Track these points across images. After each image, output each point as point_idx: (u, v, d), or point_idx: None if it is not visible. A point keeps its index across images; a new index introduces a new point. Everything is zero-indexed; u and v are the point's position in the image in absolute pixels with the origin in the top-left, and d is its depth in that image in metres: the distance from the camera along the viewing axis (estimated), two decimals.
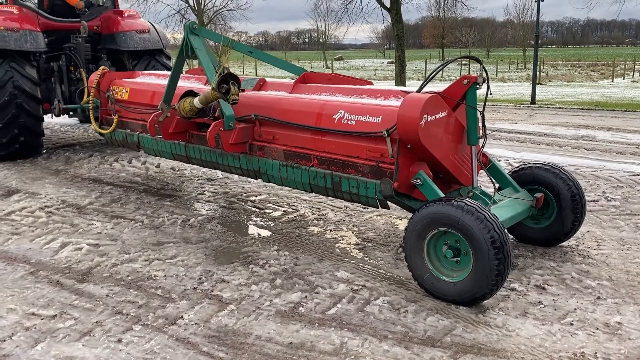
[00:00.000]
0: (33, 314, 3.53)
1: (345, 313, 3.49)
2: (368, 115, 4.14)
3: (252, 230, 5.11)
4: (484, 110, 4.16)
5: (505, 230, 3.49)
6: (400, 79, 19.76)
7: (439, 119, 3.92)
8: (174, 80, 5.23)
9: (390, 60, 61.90)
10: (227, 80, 4.51)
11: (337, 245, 4.70)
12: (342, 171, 4.30)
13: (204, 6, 24.02)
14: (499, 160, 7.85)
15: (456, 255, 3.60)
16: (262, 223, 5.29)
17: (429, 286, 3.72)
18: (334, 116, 4.34)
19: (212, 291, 3.81)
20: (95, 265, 4.29)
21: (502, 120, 11.97)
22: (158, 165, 7.73)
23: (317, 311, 3.52)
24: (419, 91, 4.08)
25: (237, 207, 5.79)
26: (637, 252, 4.47)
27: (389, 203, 4.20)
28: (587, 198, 5.79)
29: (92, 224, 5.28)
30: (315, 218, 5.42)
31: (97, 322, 3.41)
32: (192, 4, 23.79)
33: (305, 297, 3.71)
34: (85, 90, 6.52)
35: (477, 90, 4.13)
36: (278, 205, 5.82)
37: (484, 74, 4.13)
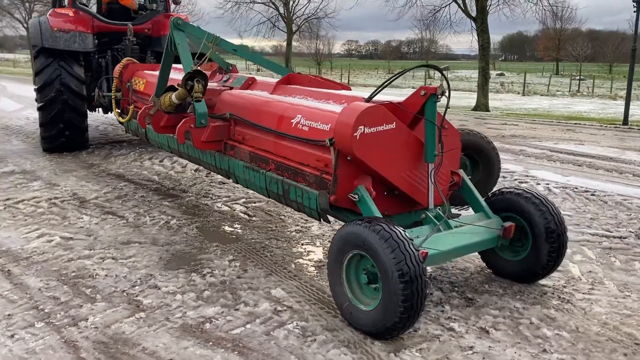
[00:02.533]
0: None
1: (249, 335, 3.27)
2: (319, 122, 3.90)
3: (223, 237, 4.99)
4: (441, 124, 3.75)
5: (418, 258, 3.08)
6: (483, 91, 18.82)
7: (382, 131, 3.56)
8: (164, 74, 5.28)
9: (499, 72, 59.42)
10: (194, 77, 4.47)
11: (296, 261, 4.46)
12: (292, 179, 4.09)
13: (294, 14, 24.46)
14: (538, 184, 7.13)
15: (372, 281, 3.25)
16: (239, 231, 5.17)
17: (348, 316, 3.39)
18: (292, 120, 4.15)
19: (136, 296, 3.75)
20: (53, 258, 4.39)
21: (568, 141, 10.92)
22: (185, 166, 7.87)
23: (222, 329, 3.32)
24: (368, 100, 3.77)
25: (226, 212, 5.71)
26: (632, 303, 3.80)
27: (331, 218, 3.92)
28: (615, 233, 5.11)
29: (82, 218, 5.45)
30: (295, 230, 5.20)
31: (8, 314, 3.46)
32: (283, 12, 24.32)
33: (222, 312, 3.53)
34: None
35: (437, 103, 3.73)
36: (268, 214, 5.67)
37: (444, 84, 3.72)
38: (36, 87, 8.17)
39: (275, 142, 4.35)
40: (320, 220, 3.97)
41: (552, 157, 9.05)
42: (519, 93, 32.49)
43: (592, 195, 6.64)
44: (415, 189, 3.83)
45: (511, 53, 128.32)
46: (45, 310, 3.52)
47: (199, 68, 4.68)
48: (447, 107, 3.77)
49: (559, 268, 4.33)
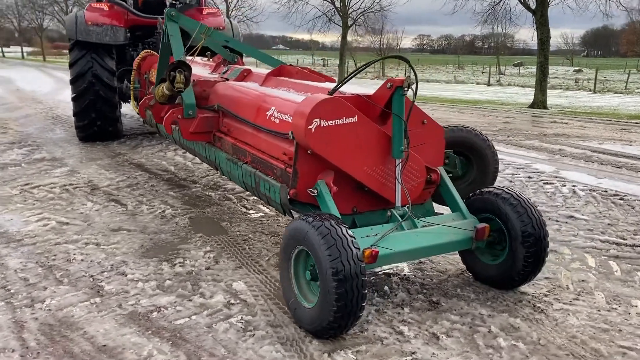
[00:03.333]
0: None
1: (190, 326, 3.25)
2: (288, 114, 3.82)
3: (211, 229, 5.01)
4: (407, 118, 3.57)
5: (356, 256, 2.95)
6: (541, 87, 17.93)
7: (341, 124, 3.43)
8: (162, 66, 5.36)
9: (576, 68, 56.42)
10: (177, 68, 4.51)
11: (272, 255, 4.40)
12: (263, 172, 4.05)
13: (350, 7, 24.29)
14: (563, 186, 6.69)
15: (314, 278, 3.15)
16: (228, 223, 5.17)
17: (292, 312, 3.30)
18: (267, 112, 4.11)
19: (101, 282, 3.83)
20: (41, 242, 4.57)
21: (616, 141, 10.17)
22: None
23: (167, 319, 3.33)
24: (331, 93, 3.64)
25: (225, 205, 5.74)
26: (616, 317, 3.48)
27: (294, 212, 3.83)
28: (630, 241, 4.74)
29: (85, 204, 5.64)
30: (285, 224, 5.15)
31: None
32: (339, 6, 24.21)
33: (175, 302, 3.54)
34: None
35: (403, 96, 3.55)
36: (268, 208, 5.64)
37: (412, 76, 3.55)
38: (70, 78, 8.54)
39: (252, 134, 4.33)
40: (285, 215, 3.90)
41: (592, 158, 8.47)
42: (590, 90, 30.73)
43: (620, 199, 6.15)
44: (383, 185, 3.68)
45: (595, 48, 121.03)
46: (11, 291, 3.66)
47: (185, 59, 4.71)
48: (414, 100, 3.58)
49: (548, 275, 4.07)
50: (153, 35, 8.99)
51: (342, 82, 3.74)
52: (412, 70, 3.68)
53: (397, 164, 3.62)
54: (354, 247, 2.99)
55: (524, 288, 3.84)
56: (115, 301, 3.54)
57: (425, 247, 3.50)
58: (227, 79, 5.31)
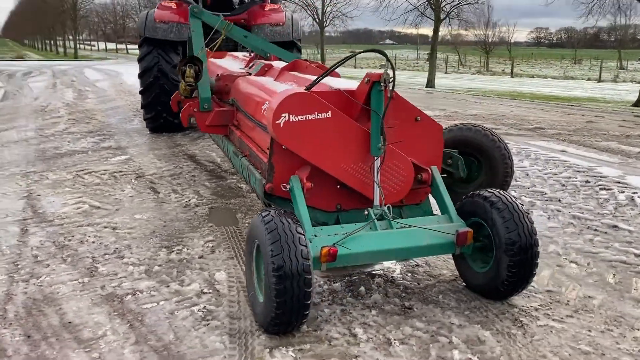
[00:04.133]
0: None
1: (155, 310, 3.37)
2: None
3: (224, 219, 5.13)
4: (383, 115, 3.43)
5: (301, 254, 2.90)
6: None
7: (313, 120, 3.39)
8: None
9: None
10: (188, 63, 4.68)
11: None
12: (254, 165, 4.10)
13: (443, 0, 23.57)
14: (621, 192, 6.07)
15: None
16: (242, 214, 5.27)
17: (250, 305, 3.32)
18: (262, 107, 4.16)
19: (98, 263, 4.08)
20: (68, 223, 4.95)
21: None
22: None
23: (138, 303, 3.48)
24: (308, 88, 3.60)
25: (250, 197, 5.85)
26: (606, 339, 3.12)
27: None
28: None
29: (123, 191, 6.02)
30: None
31: None
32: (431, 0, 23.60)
33: (152, 287, 3.69)
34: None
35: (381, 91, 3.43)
36: None
37: (390, 71, 3.41)
38: (138, 73, 9.11)
39: (251, 128, 4.40)
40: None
41: None
42: None
43: None
44: (364, 183, 3.59)
45: None
46: (18, 266, 4.01)
47: (205, 52, 4.87)
48: (390, 96, 3.43)
49: (550, 288, 3.76)
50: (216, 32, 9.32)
51: (319, 77, 3.68)
52: (389, 65, 3.53)
53: (374, 162, 3.50)
54: (300, 244, 2.94)
55: (515, 300, 3.56)
56: (100, 282, 3.76)
57: (395, 249, 3.37)
58: (250, 74, 5.41)
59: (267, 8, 9.54)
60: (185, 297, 3.56)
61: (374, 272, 3.96)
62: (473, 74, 38.13)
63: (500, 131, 10.29)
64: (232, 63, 6.18)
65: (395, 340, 3.07)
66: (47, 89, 18.07)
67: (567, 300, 3.59)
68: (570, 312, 3.44)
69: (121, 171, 6.87)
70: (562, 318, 3.36)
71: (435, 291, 3.70)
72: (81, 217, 5.12)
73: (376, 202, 3.57)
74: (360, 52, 4.07)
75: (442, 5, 23.44)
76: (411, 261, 4.16)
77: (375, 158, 3.50)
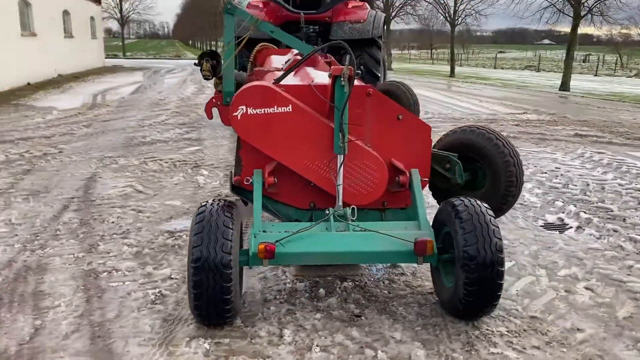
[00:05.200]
0: None
1: (116, 289, 3.55)
2: None
3: (247, 211, 5.22)
4: (342, 112, 3.27)
5: (224, 247, 2.88)
6: None
7: (272, 114, 3.34)
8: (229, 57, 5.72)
9: None
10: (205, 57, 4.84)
11: None
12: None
13: None
14: None
15: None
16: None
17: None
18: None
19: (102, 241, 4.39)
20: (105, 204, 5.38)
21: None
22: None
23: (109, 280, 3.69)
24: (277, 81, 3.54)
25: None
26: None
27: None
28: None
29: (172, 178, 6.39)
30: None
31: (16, 228, 4.51)
32: None
33: (129, 268, 3.88)
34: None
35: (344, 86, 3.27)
36: None
37: (351, 66, 3.25)
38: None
39: None
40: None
41: None
42: None
43: None
44: (330, 182, 3.46)
45: None
46: (37, 237, 4.45)
47: (232, 47, 5.00)
48: (349, 91, 3.25)
49: (537, 314, 3.34)
50: (298, 30, 9.47)
51: (287, 72, 3.60)
52: (350, 59, 3.34)
53: (337, 160, 3.36)
54: (224, 237, 2.93)
55: (484, 321, 3.20)
56: (90, 259, 4.05)
57: (345, 253, 3.19)
58: (282, 69, 5.44)
59: (350, 5, 9.48)
60: (152, 280, 3.70)
61: (347, 276, 3.79)
62: (629, 77, 34.30)
63: (603, 140, 9.22)
64: (276, 58, 6.22)
65: (318, 346, 2.92)
66: (175, 85, 19.71)
67: (547, 330, 3.14)
68: (540, 343, 3.01)
69: (184, 160, 7.29)
70: (524, 349, 2.95)
71: (401, 302, 3.44)
72: (120, 199, 5.54)
73: (339, 202, 3.42)
74: (323, 47, 3.92)
75: (582, 1, 21.44)
76: (396, 269, 3.92)
77: (339, 156, 3.35)
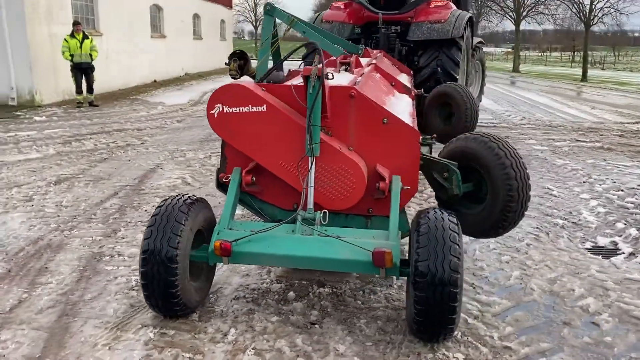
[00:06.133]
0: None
1: (102, 272, 3.79)
2: None
3: None
4: (311, 112, 3.20)
5: (172, 242, 2.95)
6: None
7: (247, 113, 3.35)
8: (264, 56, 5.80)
9: None
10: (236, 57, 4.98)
11: None
12: None
13: None
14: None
15: None
16: None
17: None
18: None
19: (124, 228, 4.69)
20: (150, 192, 5.75)
21: None
22: None
23: (108, 264, 3.95)
24: (260, 80, 3.55)
25: None
26: None
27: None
28: None
29: None
30: None
31: (60, 210, 4.99)
32: None
33: (133, 254, 4.11)
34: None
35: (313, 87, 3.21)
36: None
37: (319, 66, 3.17)
38: None
39: None
40: None
41: None
42: None
43: None
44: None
45: None
46: (74, 219, 4.87)
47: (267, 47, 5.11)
48: (318, 91, 3.16)
49: (510, 344, 2.99)
50: (377, 31, 9.31)
51: (269, 71, 3.58)
52: (319, 58, 3.24)
53: (310, 162, 3.29)
54: (173, 232, 3.00)
55: (450, 345, 2.95)
56: (104, 243, 4.35)
57: (303, 257, 3.11)
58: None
59: (433, 5, 9.12)
60: (133, 259, 3.90)
61: (328, 281, 3.69)
62: None
63: None
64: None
65: (254, 349, 2.88)
66: None
67: None
68: None
69: None
70: None
71: (368, 315, 3.28)
72: (165, 190, 5.88)
73: (309, 205, 3.34)
74: (296, 49, 3.80)
75: None
76: (387, 281, 3.73)
77: (310, 158, 3.28)
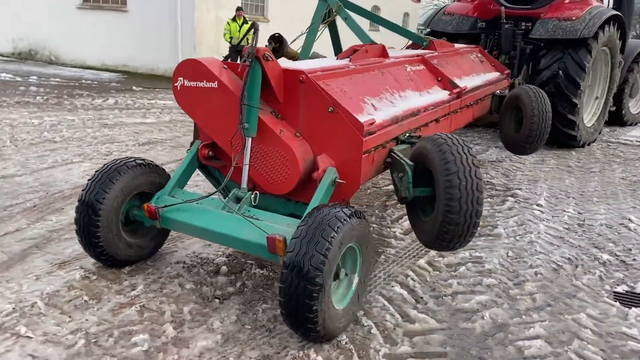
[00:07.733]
0: None
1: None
2: None
3: None
4: (243, 91, 3.22)
5: (99, 198, 3.25)
6: None
7: (202, 88, 3.49)
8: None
9: None
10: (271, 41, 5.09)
11: None
12: None
13: None
14: None
15: None
16: None
17: None
18: None
19: None
20: None
21: None
22: None
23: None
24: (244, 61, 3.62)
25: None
26: None
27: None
28: None
29: None
30: None
31: None
32: None
33: None
34: None
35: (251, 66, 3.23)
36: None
37: (253, 46, 3.19)
38: None
39: None
40: None
41: None
42: None
43: None
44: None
45: None
46: None
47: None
48: (248, 73, 3.17)
49: None
50: (499, 26, 8.57)
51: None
52: (254, 37, 3.21)
53: (247, 143, 3.33)
54: (101, 187, 3.27)
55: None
56: None
57: (211, 232, 3.18)
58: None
59: (567, 1, 8.11)
60: None
61: (268, 264, 3.67)
62: None
63: None
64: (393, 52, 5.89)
65: (141, 306, 3.04)
66: None
67: None
68: None
69: None
70: None
71: (274, 303, 3.21)
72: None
73: (243, 184, 3.37)
74: (249, 29, 3.65)
75: None
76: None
77: (244, 137, 3.32)
